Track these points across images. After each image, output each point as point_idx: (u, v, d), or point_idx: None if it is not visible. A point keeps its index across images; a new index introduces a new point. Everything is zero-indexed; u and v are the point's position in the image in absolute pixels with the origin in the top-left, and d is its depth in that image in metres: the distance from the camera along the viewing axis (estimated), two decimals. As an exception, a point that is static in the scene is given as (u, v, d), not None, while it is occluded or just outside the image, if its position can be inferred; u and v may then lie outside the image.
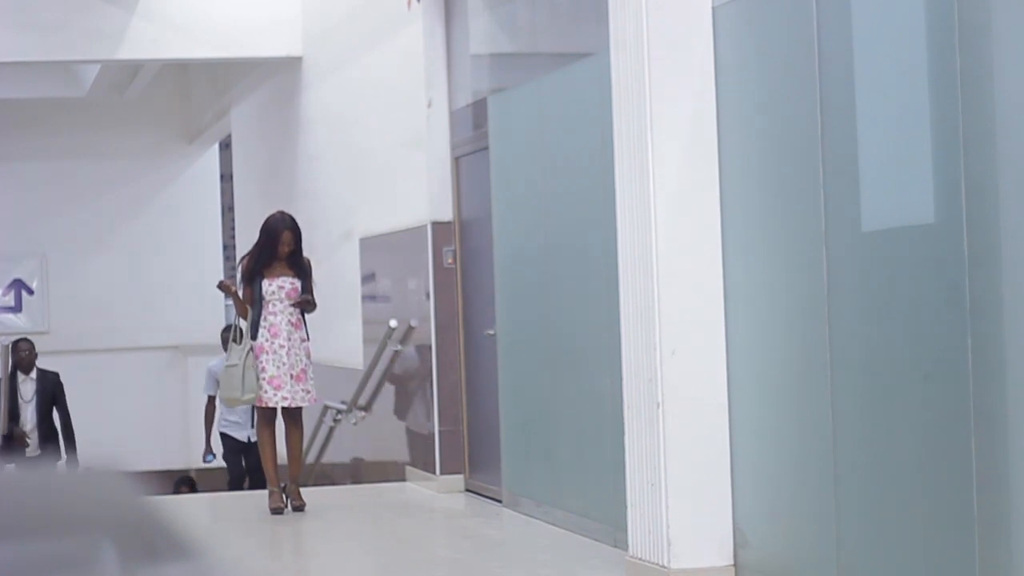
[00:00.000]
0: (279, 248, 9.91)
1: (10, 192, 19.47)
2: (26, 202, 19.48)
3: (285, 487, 10.01)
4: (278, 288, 9.86)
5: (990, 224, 5.39)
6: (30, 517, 2.15)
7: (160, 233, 19.93)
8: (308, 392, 9.90)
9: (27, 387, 13.57)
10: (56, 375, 13.87)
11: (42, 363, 13.90)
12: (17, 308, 19.67)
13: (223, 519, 9.75)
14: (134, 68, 17.30)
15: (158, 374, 19.66)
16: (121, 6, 13.81)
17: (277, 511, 9.84)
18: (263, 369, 9.78)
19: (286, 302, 9.86)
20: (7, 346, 13.29)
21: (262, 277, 9.88)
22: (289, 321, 9.84)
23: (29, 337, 14.10)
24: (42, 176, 19.59)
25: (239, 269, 10.17)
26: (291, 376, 9.80)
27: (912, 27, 5.84)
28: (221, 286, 10.43)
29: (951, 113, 5.52)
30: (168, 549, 2.23)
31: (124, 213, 19.78)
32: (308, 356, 9.93)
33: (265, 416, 10.02)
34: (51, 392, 13.78)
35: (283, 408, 9.94)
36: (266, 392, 9.81)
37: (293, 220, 10.05)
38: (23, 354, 13.57)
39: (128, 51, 14.09)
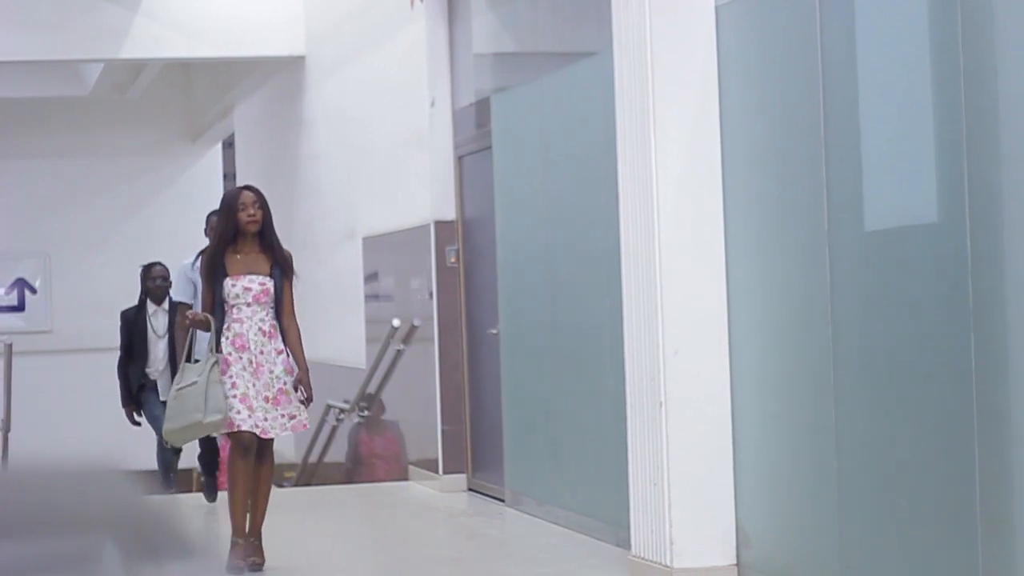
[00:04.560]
0: (239, 216, 7.88)
1: (13, 191, 19.48)
2: (29, 201, 19.50)
3: (246, 539, 8.01)
4: (243, 290, 7.85)
5: (993, 223, 5.38)
6: (30, 516, 2.15)
7: (163, 232, 19.94)
8: (293, 418, 7.86)
9: (159, 320, 11.33)
10: (190, 307, 11.71)
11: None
12: (20, 307, 19.68)
13: (224, 518, 9.74)
14: (137, 67, 17.31)
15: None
16: (124, 5, 13.81)
17: (236, 569, 7.84)
18: (233, 385, 7.74)
19: (254, 306, 7.84)
20: (9, 344, 13.17)
21: (225, 274, 7.87)
22: (260, 329, 7.83)
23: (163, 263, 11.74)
24: (45, 175, 19.61)
25: (196, 269, 8.04)
26: (264, 399, 7.78)
27: (915, 26, 5.84)
28: (191, 324, 8.05)
29: (954, 112, 5.52)
30: (170, 548, 2.23)
31: (127, 212, 19.79)
32: (289, 372, 7.86)
33: (241, 443, 7.83)
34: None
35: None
36: (239, 413, 7.74)
37: (255, 187, 8.13)
38: (158, 282, 11.38)
39: (131, 50, 14.10)
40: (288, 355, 7.87)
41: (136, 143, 19.89)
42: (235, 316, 7.84)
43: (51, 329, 19.33)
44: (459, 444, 10.88)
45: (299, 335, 7.95)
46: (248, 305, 7.84)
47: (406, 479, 11.47)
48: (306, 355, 8.06)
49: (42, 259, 19.71)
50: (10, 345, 13.10)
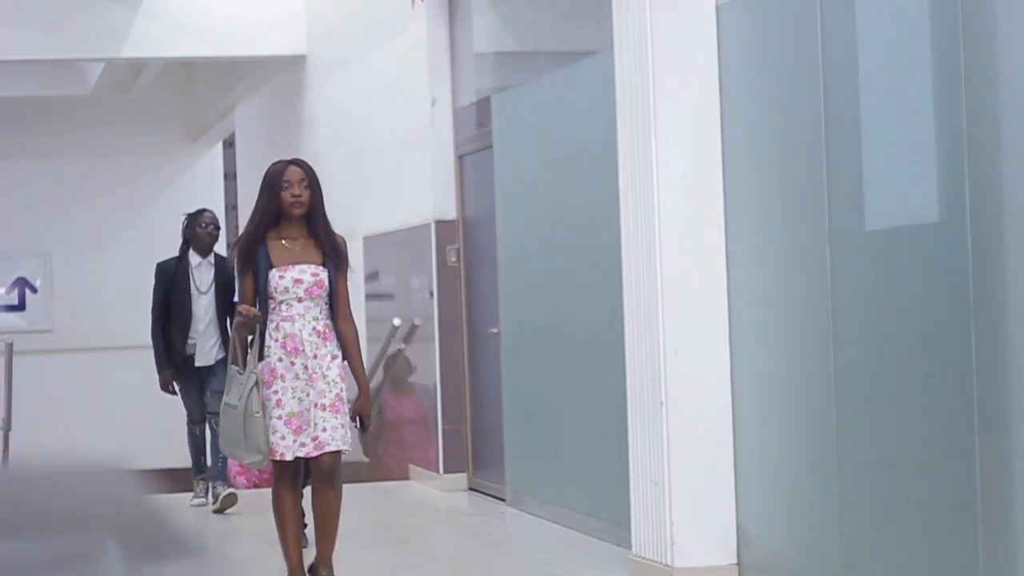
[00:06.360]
0: (282, 196, 6.66)
1: (14, 190, 19.47)
2: (30, 200, 19.49)
3: (312, 569, 6.97)
4: (294, 282, 6.65)
5: (994, 223, 5.38)
6: (31, 516, 2.15)
7: (164, 231, 19.91)
8: (347, 428, 6.70)
9: (203, 273, 10.07)
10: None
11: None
12: (21, 306, 19.67)
13: (226, 516, 9.73)
14: (138, 66, 17.30)
15: (161, 373, 19.63)
16: (125, 4, 13.81)
17: None
18: (277, 403, 6.59)
19: (307, 302, 6.65)
20: (10, 344, 13.16)
21: (270, 265, 6.66)
22: (314, 329, 6.65)
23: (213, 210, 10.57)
24: (46, 174, 19.60)
25: (234, 257, 6.93)
26: (321, 407, 6.60)
27: (916, 26, 5.84)
28: (245, 324, 6.65)
29: (955, 112, 5.51)
30: (171, 547, 2.23)
31: (128, 211, 19.78)
32: (342, 378, 6.75)
33: (287, 472, 6.73)
34: (229, 284, 9.38)
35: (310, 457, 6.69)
36: (283, 438, 6.59)
37: (304, 161, 6.90)
38: (207, 228, 10.13)
39: (132, 49, 14.09)
40: (343, 361, 6.74)
41: (137, 143, 19.88)
42: (284, 314, 6.64)
43: (52, 328, 19.32)
44: (460, 443, 10.88)
45: (357, 341, 6.87)
46: (300, 300, 6.65)
47: (407, 478, 11.47)
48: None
49: (43, 258, 19.70)
50: (11, 344, 13.09)
